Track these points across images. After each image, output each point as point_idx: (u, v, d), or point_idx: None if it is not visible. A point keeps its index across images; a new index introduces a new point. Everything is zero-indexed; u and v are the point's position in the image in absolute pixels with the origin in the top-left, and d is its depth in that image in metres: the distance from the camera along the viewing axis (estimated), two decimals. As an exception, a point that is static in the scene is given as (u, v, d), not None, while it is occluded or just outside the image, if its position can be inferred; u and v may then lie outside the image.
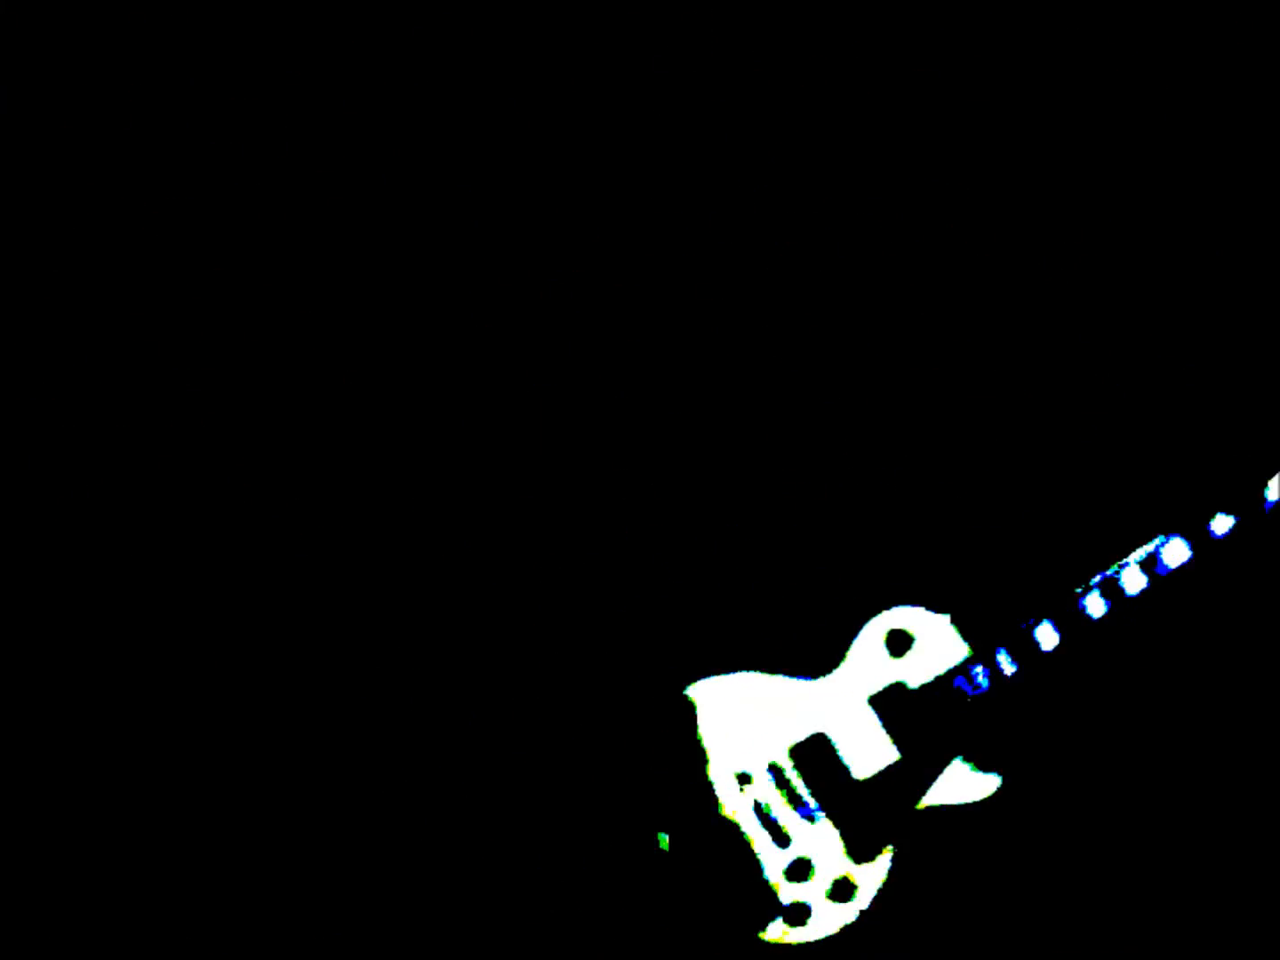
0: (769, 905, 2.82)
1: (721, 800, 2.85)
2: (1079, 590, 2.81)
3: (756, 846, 2.84)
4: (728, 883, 2.83)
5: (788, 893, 2.83)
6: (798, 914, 2.83)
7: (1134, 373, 3.00)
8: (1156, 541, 2.77)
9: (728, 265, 3.07)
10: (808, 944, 2.82)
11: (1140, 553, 2.78)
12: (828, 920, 2.83)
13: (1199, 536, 2.74)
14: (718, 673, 2.94)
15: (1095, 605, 2.82)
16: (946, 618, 2.89)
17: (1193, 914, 2.90)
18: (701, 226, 3.08)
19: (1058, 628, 2.82)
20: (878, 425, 3.06)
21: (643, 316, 3.08)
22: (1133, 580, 2.80)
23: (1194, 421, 2.99)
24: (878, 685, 2.90)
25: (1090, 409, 3.01)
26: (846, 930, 2.82)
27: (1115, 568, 2.80)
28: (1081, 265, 3.04)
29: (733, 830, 2.85)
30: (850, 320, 3.06)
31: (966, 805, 2.86)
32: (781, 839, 2.84)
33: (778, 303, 3.07)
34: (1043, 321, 3.03)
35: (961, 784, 2.87)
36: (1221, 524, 2.74)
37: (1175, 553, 2.76)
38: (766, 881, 2.83)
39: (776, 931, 2.82)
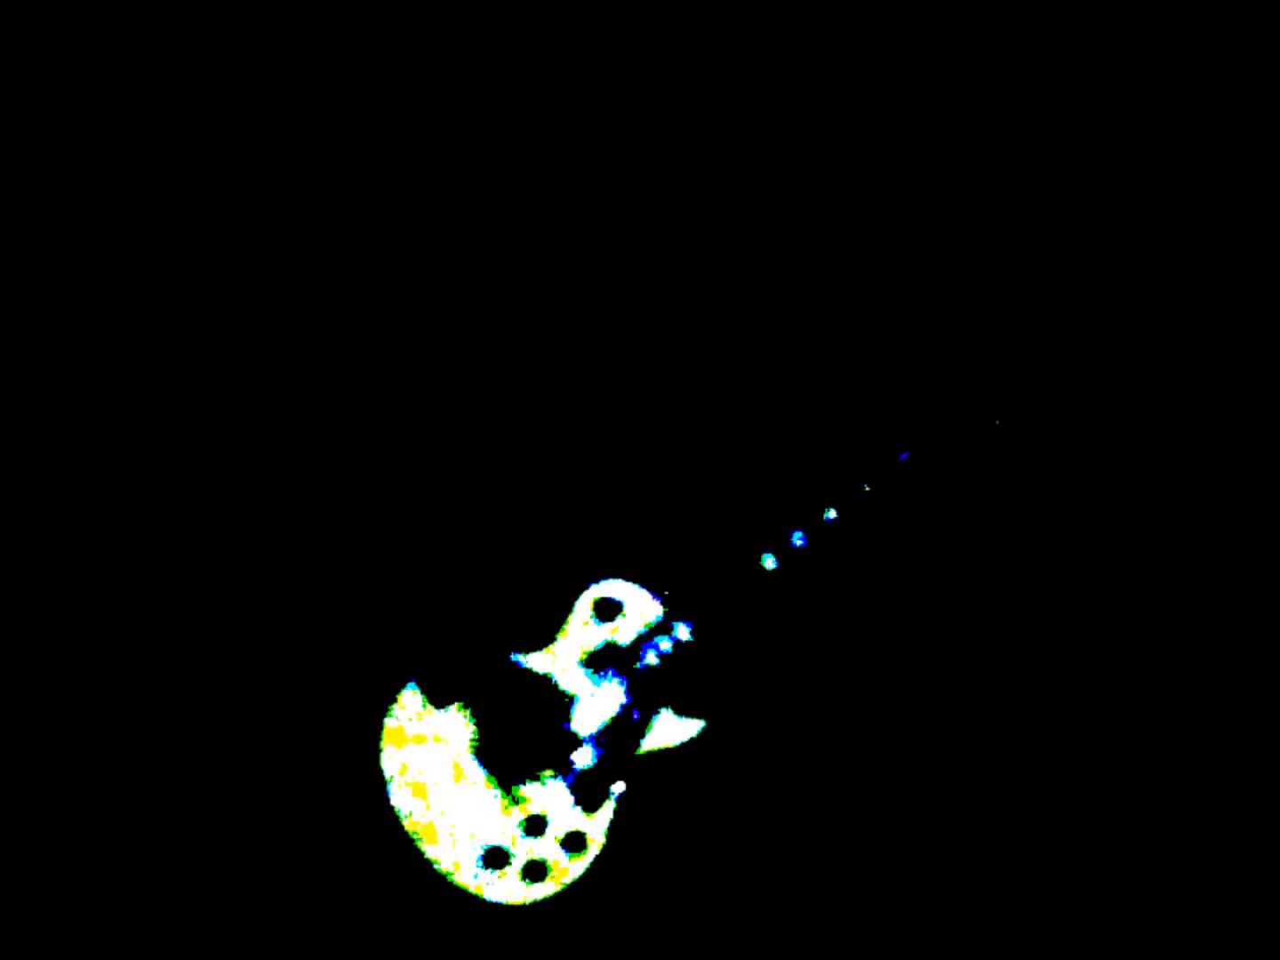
0: (504, 866, 3.01)
1: (455, 772, 3.04)
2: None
3: (490, 808, 3.03)
4: (467, 846, 3.01)
5: (524, 850, 3.01)
6: (535, 871, 3.02)
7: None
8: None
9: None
10: (547, 899, 3.01)
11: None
12: (565, 872, 3.02)
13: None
14: (446, 648, 3.15)
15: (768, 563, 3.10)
16: (644, 589, 3.14)
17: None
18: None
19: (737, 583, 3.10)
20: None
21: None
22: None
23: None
24: (591, 647, 3.11)
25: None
26: (579, 882, 3.02)
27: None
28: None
29: (469, 797, 3.03)
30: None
31: (675, 748, 3.08)
32: (516, 799, 3.03)
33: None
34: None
35: (668, 730, 3.08)
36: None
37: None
38: (501, 846, 3.02)
39: (517, 892, 3.00)
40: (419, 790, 3.03)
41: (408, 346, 3.26)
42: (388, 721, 3.04)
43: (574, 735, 3.06)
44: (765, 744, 3.20)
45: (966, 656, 3.19)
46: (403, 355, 3.27)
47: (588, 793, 3.05)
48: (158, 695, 3.14)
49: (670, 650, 3.10)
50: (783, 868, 3.15)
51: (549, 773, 3.05)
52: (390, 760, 3.04)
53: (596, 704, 3.08)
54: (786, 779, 3.19)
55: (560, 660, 3.10)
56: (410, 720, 3.05)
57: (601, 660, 3.10)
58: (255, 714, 3.14)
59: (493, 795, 3.04)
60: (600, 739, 3.07)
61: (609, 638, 3.11)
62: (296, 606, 3.20)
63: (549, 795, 3.04)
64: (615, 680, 3.09)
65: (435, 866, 3.01)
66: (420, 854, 3.01)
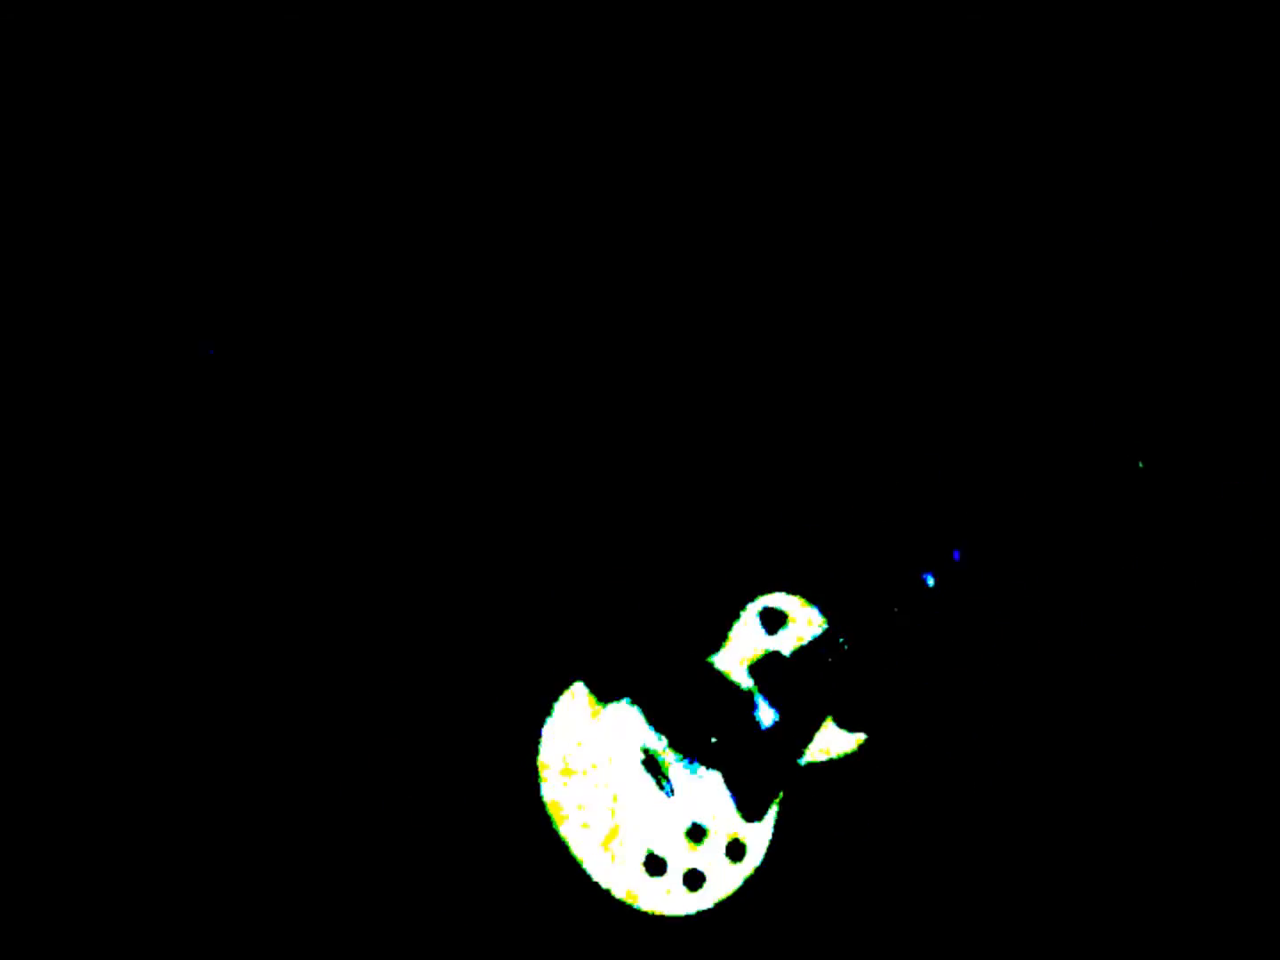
0: (662, 873, 3.03)
1: (616, 775, 3.06)
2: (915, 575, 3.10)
3: (654, 816, 3.05)
4: (630, 851, 3.04)
5: (683, 857, 3.03)
6: (693, 879, 3.03)
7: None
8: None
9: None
10: (705, 909, 3.03)
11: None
12: (722, 882, 3.03)
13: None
14: (614, 654, 3.17)
15: (930, 579, 3.08)
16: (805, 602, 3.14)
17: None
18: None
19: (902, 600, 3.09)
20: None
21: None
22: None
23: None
24: (755, 657, 3.12)
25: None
26: (739, 893, 3.03)
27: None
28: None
29: (629, 802, 3.06)
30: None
31: (836, 760, 3.08)
32: (677, 806, 3.05)
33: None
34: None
35: (831, 741, 3.08)
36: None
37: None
38: (660, 853, 3.04)
39: (674, 900, 3.02)
40: (578, 792, 3.06)
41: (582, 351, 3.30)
42: (550, 722, 3.08)
43: (736, 744, 3.07)
44: (926, 758, 3.20)
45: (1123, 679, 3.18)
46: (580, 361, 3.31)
47: (749, 802, 3.06)
48: (335, 688, 3.20)
49: (833, 663, 3.10)
50: (944, 884, 3.15)
51: (710, 781, 3.07)
52: (550, 760, 3.07)
53: (759, 713, 3.09)
54: (947, 794, 3.18)
55: (724, 669, 3.11)
56: (573, 722, 3.08)
57: (765, 670, 3.11)
58: (421, 712, 3.20)
59: (653, 802, 3.07)
60: (762, 748, 3.07)
61: (773, 648, 3.12)
62: (470, 603, 3.24)
63: (709, 803, 3.06)
64: (778, 691, 3.09)
65: (591, 873, 3.04)
66: (575, 860, 3.04)
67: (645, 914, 3.02)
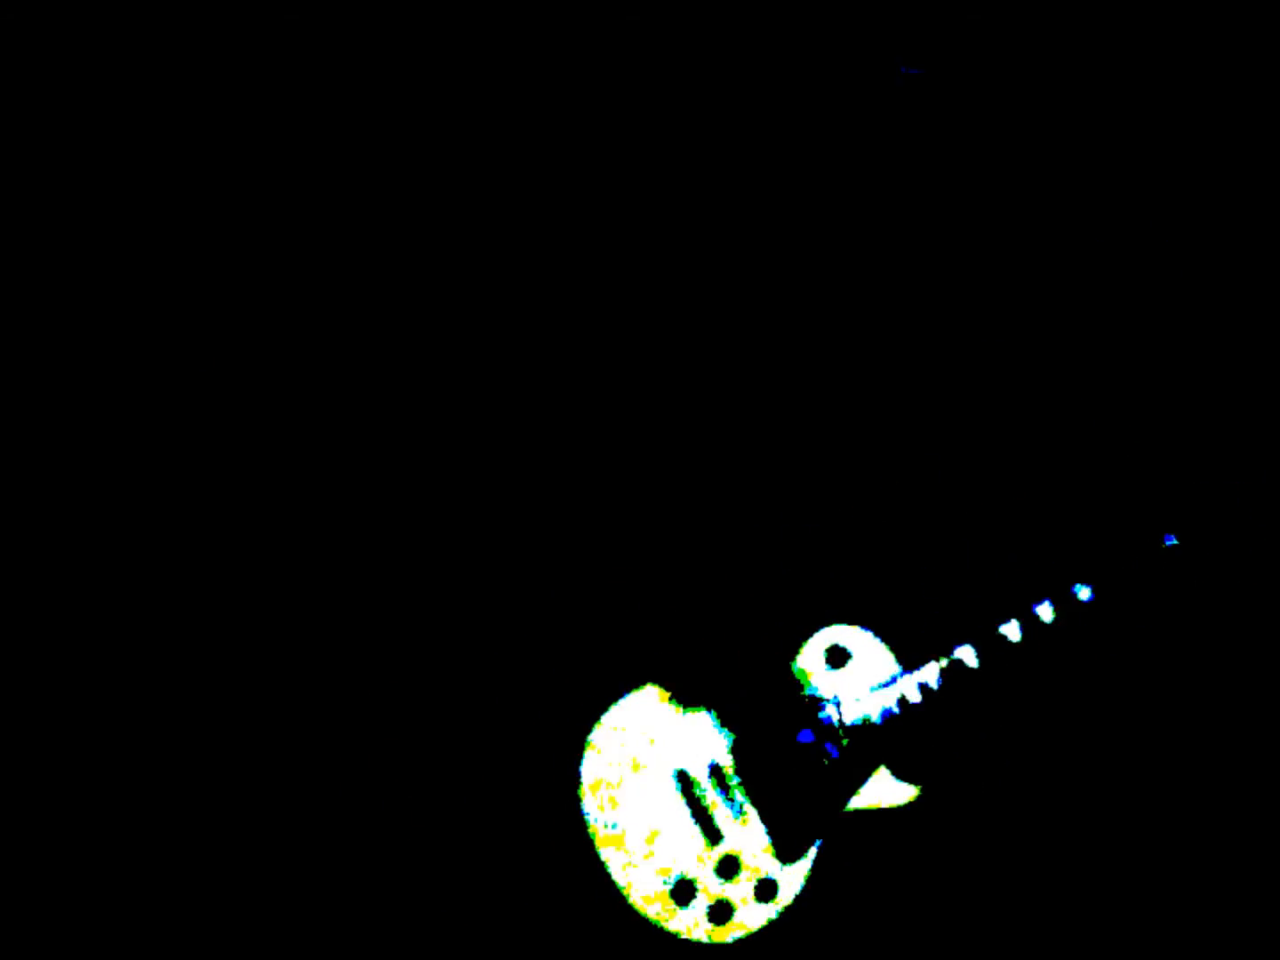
0: (690, 900, 2.91)
1: (656, 798, 2.95)
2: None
3: (688, 843, 2.93)
4: (657, 876, 2.92)
5: (714, 890, 2.91)
6: (719, 912, 2.91)
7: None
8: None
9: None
10: (727, 944, 2.90)
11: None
12: (749, 919, 2.90)
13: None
14: (667, 678, 3.06)
15: (1012, 631, 2.92)
16: (879, 638, 3.00)
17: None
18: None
19: (978, 651, 2.92)
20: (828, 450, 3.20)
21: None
22: (1043, 612, 2.92)
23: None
24: (815, 693, 2.98)
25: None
26: (767, 930, 2.90)
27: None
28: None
29: (669, 824, 2.94)
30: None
31: (885, 810, 2.93)
32: (713, 835, 2.93)
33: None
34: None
35: (883, 791, 2.93)
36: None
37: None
38: (693, 880, 2.92)
39: (696, 930, 2.90)
40: (616, 812, 2.95)
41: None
42: (593, 739, 2.98)
43: (783, 781, 2.94)
44: (980, 823, 3.04)
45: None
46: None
47: (787, 842, 2.93)
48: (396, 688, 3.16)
49: (897, 710, 2.95)
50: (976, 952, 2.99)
51: (751, 815, 2.94)
52: (591, 777, 2.97)
53: (811, 752, 2.95)
54: (996, 862, 3.02)
55: (780, 701, 2.98)
56: (616, 744, 2.97)
57: (822, 708, 2.98)
58: (463, 723, 3.13)
59: (690, 828, 2.95)
60: (809, 789, 2.94)
61: (835, 686, 2.99)
62: (513, 625, 3.17)
63: (747, 838, 2.93)
64: (833, 732, 2.96)
65: (621, 889, 2.93)
66: (608, 875, 2.94)
67: (667, 938, 2.91)
